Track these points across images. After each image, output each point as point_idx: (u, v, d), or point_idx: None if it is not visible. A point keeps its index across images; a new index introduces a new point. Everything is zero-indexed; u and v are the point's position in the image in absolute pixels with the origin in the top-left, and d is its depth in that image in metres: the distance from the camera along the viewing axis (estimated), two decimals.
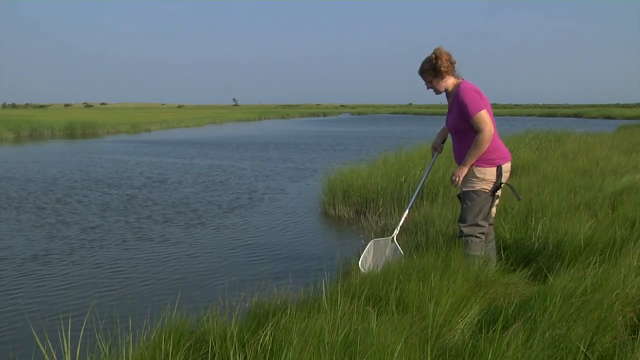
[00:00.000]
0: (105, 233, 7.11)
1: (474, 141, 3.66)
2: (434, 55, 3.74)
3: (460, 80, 3.78)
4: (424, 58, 3.86)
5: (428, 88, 3.86)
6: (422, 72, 3.83)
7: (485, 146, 3.64)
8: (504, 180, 3.75)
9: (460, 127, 3.75)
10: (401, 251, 4.20)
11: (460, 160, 3.82)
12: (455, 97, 3.75)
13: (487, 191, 3.72)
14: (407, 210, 4.37)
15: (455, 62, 3.77)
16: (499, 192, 3.80)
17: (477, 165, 3.72)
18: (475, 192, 3.73)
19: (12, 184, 11.45)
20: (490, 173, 3.71)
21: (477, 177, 3.72)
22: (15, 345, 3.90)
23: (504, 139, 3.97)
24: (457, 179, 3.77)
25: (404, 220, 4.31)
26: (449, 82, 3.78)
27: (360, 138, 27.93)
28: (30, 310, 4.54)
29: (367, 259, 4.28)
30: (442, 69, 3.71)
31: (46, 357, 2.59)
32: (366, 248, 4.33)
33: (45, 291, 5.01)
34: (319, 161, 16.09)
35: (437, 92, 3.85)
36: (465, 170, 3.75)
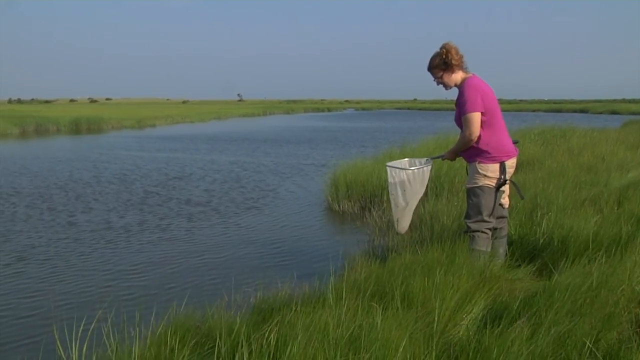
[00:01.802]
0: (115, 229, 7.14)
1: (459, 137, 3.76)
2: (444, 50, 3.73)
3: (468, 75, 3.77)
4: (428, 53, 3.85)
5: (438, 84, 3.85)
6: (432, 67, 3.81)
7: (464, 147, 3.75)
8: (508, 176, 3.75)
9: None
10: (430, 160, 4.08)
11: (465, 155, 3.83)
12: (459, 92, 3.75)
13: (492, 187, 3.72)
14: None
15: (462, 56, 3.76)
16: (504, 188, 3.79)
17: (480, 162, 3.72)
18: (479, 187, 3.73)
19: (33, 179, 11.53)
20: (492, 169, 3.70)
21: (479, 173, 3.72)
22: (24, 339, 3.94)
23: (509, 134, 3.96)
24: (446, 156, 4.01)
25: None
26: (458, 76, 3.77)
27: (369, 133, 27.84)
28: (38, 305, 4.58)
29: (399, 164, 4.10)
30: (452, 62, 3.70)
31: (57, 351, 2.61)
32: (400, 160, 4.17)
33: (54, 286, 5.05)
34: (332, 156, 15.94)
35: (447, 87, 3.83)
36: (450, 156, 3.96)
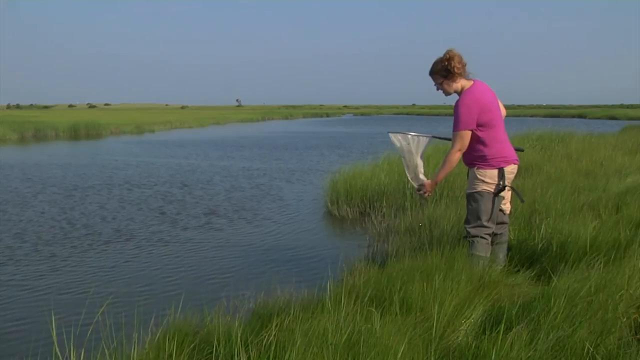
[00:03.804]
0: (115, 234, 7.13)
1: (444, 158, 3.78)
2: (447, 56, 3.72)
3: (470, 83, 3.75)
4: (426, 59, 3.85)
5: (438, 89, 3.86)
6: (433, 73, 3.81)
7: (450, 165, 3.77)
8: (507, 182, 3.75)
9: None
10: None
11: (465, 160, 3.83)
12: (455, 103, 3.75)
13: (491, 192, 3.72)
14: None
15: (465, 64, 3.75)
16: (503, 194, 3.78)
17: (478, 167, 3.73)
18: (478, 193, 3.73)
19: (46, 185, 11.51)
20: (490, 175, 3.70)
21: (478, 179, 3.73)
22: (21, 342, 3.92)
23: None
24: (424, 193, 3.97)
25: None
26: (459, 84, 3.76)
27: (373, 138, 27.71)
28: (36, 308, 4.57)
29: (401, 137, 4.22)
30: (454, 70, 3.69)
31: (54, 356, 2.60)
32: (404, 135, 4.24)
33: (51, 289, 5.04)
34: (343, 162, 15.83)
35: (447, 93, 3.83)
36: (432, 185, 3.93)
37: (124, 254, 6.20)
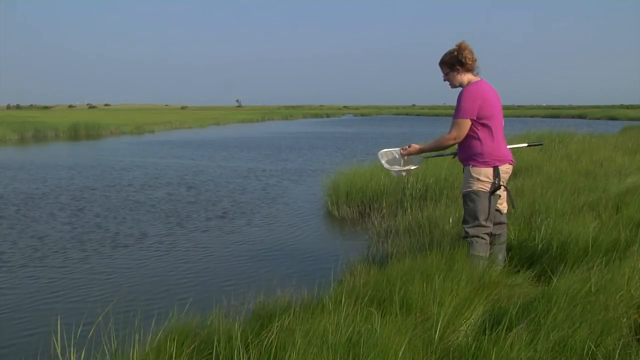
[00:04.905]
0: (121, 236, 7.14)
1: (443, 136, 3.83)
2: (456, 47, 3.74)
3: (476, 79, 3.76)
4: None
5: (444, 80, 3.88)
6: (442, 62, 3.84)
7: (441, 145, 3.85)
8: (503, 182, 3.74)
9: None
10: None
11: (460, 158, 3.83)
12: (458, 95, 3.76)
13: (486, 191, 3.71)
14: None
15: (476, 60, 3.76)
16: (499, 192, 3.78)
17: (473, 165, 3.72)
18: (474, 192, 3.72)
19: (54, 187, 11.52)
20: (485, 173, 3.70)
21: (473, 177, 3.72)
22: (22, 342, 3.93)
23: (507, 140, 3.96)
24: (405, 150, 4.05)
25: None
26: (465, 78, 3.76)
27: (377, 138, 27.65)
28: (37, 308, 4.57)
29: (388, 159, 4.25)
30: (464, 61, 3.70)
31: (55, 355, 2.60)
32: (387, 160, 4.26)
33: (53, 289, 5.04)
34: (350, 162, 15.78)
35: (452, 85, 3.85)
36: (417, 149, 4.03)
37: (131, 256, 6.20)
